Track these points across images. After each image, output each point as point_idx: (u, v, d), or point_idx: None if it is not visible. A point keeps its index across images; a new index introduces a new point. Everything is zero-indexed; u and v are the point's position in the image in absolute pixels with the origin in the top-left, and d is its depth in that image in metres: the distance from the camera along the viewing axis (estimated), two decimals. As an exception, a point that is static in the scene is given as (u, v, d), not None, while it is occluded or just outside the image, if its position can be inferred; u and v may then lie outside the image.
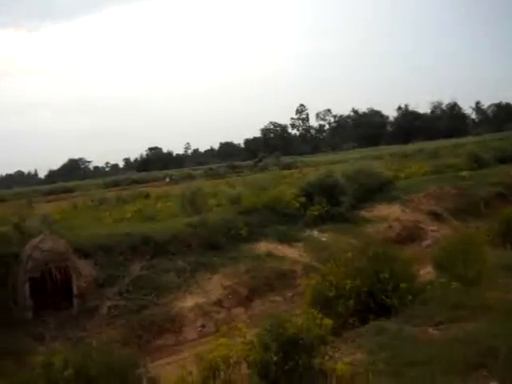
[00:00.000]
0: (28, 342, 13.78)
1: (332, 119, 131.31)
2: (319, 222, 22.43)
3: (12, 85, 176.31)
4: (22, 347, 13.42)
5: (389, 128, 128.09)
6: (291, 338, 6.76)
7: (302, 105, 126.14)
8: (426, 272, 12.00)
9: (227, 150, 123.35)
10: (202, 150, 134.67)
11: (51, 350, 9.65)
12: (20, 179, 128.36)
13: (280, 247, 20.01)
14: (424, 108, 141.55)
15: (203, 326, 15.37)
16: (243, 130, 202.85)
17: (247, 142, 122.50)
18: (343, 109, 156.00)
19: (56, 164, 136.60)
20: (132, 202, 32.68)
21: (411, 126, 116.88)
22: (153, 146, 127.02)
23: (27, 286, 15.04)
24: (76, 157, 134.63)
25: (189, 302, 16.08)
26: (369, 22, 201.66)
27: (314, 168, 41.01)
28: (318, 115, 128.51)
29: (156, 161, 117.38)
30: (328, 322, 7.26)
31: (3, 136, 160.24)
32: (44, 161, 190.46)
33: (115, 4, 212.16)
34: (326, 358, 6.90)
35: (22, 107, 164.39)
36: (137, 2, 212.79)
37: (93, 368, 6.27)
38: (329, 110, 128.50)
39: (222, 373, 6.91)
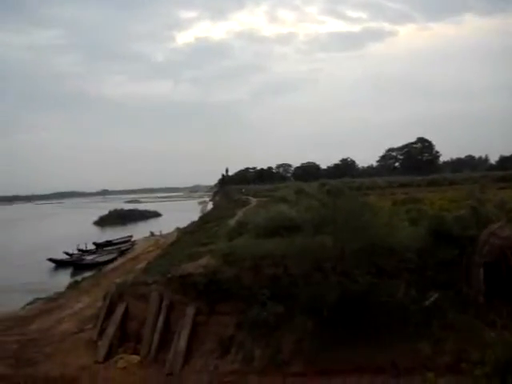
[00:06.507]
0: (478, 325, 13.98)
1: None
2: None
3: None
4: (472, 329, 13.72)
5: None
6: None
7: None
8: None
9: None
10: None
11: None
12: (470, 163, 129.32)
13: None
14: None
15: None
16: None
17: None
18: None
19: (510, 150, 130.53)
20: None
21: None
22: None
23: (481, 270, 15.15)
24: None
25: None
26: None
27: None
28: None
29: None
30: None
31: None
32: (496, 147, 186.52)
33: None
34: None
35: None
36: None
37: None
38: None
39: None
